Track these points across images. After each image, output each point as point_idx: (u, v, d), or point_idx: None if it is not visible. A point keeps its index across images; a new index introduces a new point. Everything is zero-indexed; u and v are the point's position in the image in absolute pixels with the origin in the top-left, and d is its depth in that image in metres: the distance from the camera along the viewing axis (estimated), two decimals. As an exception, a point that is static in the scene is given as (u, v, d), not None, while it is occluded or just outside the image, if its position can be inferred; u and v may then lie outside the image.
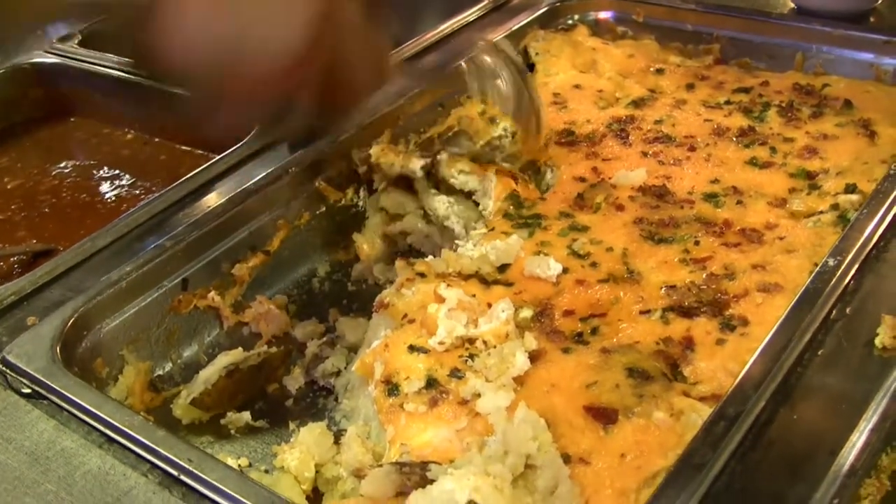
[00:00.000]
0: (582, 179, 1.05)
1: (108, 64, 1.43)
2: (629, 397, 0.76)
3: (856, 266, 0.82)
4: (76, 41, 1.53)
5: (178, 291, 0.97)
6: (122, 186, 1.29)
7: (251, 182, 1.05)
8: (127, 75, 1.38)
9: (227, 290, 1.00)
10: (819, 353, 0.76)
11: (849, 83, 1.18)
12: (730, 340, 0.81)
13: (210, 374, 0.89)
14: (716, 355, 0.80)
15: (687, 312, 0.85)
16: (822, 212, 0.96)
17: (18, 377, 0.83)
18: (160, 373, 0.94)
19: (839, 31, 1.22)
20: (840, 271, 0.82)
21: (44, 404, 0.80)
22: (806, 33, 1.24)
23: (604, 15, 1.37)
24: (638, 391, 0.77)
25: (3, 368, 0.84)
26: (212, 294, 0.98)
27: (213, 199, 1.04)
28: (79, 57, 1.48)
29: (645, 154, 1.08)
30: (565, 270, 0.91)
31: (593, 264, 0.92)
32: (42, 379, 0.81)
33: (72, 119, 1.50)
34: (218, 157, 1.09)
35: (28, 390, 0.81)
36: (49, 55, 1.51)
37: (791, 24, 1.26)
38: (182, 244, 0.98)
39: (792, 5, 1.29)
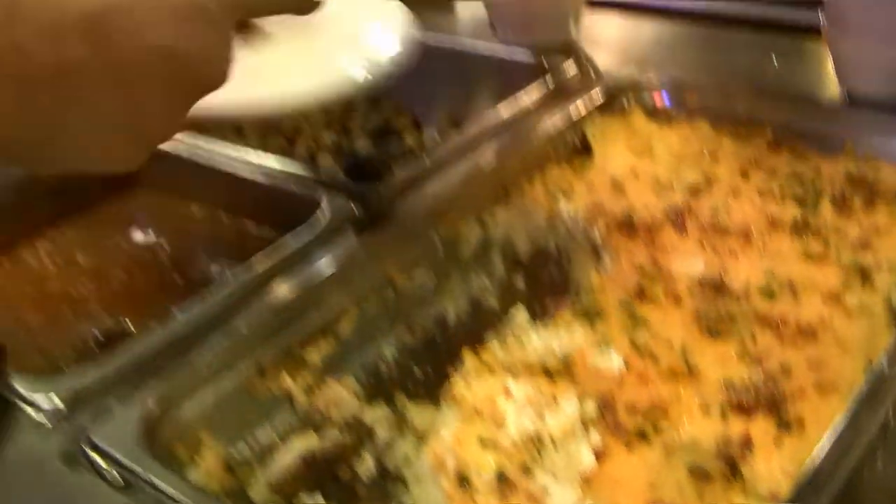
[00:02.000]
0: (640, 269, 1.09)
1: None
2: (691, 498, 0.80)
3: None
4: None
5: (253, 375, 1.01)
6: (188, 263, 1.33)
7: (322, 265, 1.10)
8: (186, 153, 1.43)
9: (299, 373, 1.04)
10: (877, 454, 0.79)
11: (900, 172, 1.21)
12: (787, 441, 0.84)
13: (287, 460, 0.93)
14: (773, 455, 0.83)
15: (745, 410, 0.88)
16: (874, 307, 0.99)
17: (106, 463, 0.87)
18: (236, 455, 0.98)
19: (887, 119, 1.25)
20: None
21: (133, 490, 0.85)
22: (855, 121, 1.27)
23: (658, 98, 1.40)
24: (699, 491, 0.80)
25: (91, 454, 0.88)
26: (284, 377, 1.02)
27: (285, 282, 1.08)
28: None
29: (702, 244, 1.12)
30: (627, 364, 0.95)
31: (654, 358, 0.96)
32: (130, 465, 0.86)
33: (137, 191, 1.54)
34: (288, 237, 1.14)
35: (117, 475, 0.86)
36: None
37: (840, 112, 1.29)
38: (256, 328, 1.02)
39: (845, 91, 1.32)
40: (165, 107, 0.72)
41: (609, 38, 1.62)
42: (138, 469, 0.85)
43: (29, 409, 0.96)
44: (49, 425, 0.93)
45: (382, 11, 1.20)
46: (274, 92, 1.02)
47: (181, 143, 1.40)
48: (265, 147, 1.52)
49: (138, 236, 1.41)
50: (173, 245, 1.37)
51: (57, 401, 0.95)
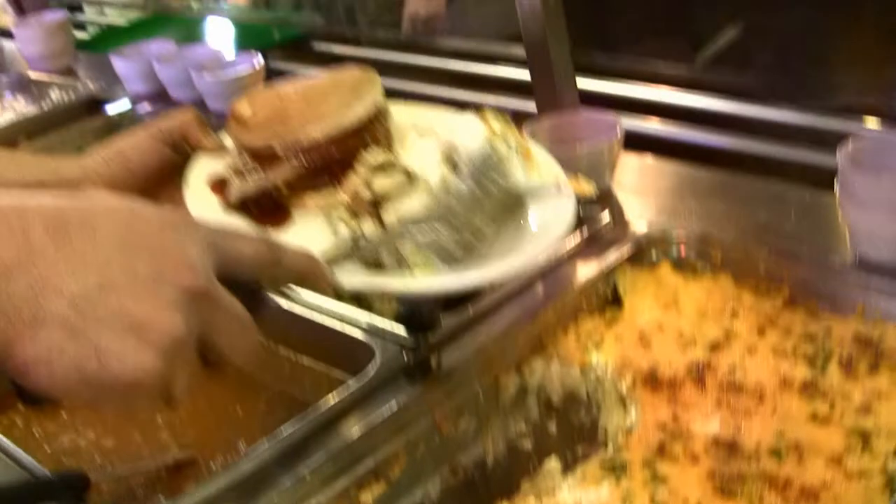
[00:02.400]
0: (662, 427, 1.21)
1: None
2: None
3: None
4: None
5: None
6: (251, 395, 1.46)
7: (375, 412, 1.22)
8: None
9: (353, 513, 1.16)
10: None
11: (905, 335, 1.32)
12: None
13: None
14: None
15: (751, 569, 1.00)
16: (872, 473, 1.10)
17: None
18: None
19: (893, 284, 1.36)
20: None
21: None
22: (865, 284, 1.38)
23: (684, 251, 1.52)
24: None
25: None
26: (340, 518, 1.14)
27: (344, 428, 1.21)
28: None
29: (719, 402, 1.24)
30: (647, 521, 1.06)
31: (672, 515, 1.07)
32: None
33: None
34: (347, 390, 1.26)
35: None
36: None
37: (853, 275, 1.40)
38: (318, 474, 1.15)
39: (857, 255, 1.43)
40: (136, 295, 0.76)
41: (642, 183, 1.74)
42: None
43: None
44: None
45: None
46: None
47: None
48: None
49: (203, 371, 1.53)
50: (235, 376, 1.50)
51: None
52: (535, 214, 1.17)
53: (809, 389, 1.24)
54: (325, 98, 1.15)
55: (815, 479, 1.11)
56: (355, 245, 1.05)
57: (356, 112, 1.14)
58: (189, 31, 3.28)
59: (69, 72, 2.94)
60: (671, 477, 1.13)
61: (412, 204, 1.11)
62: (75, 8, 3.95)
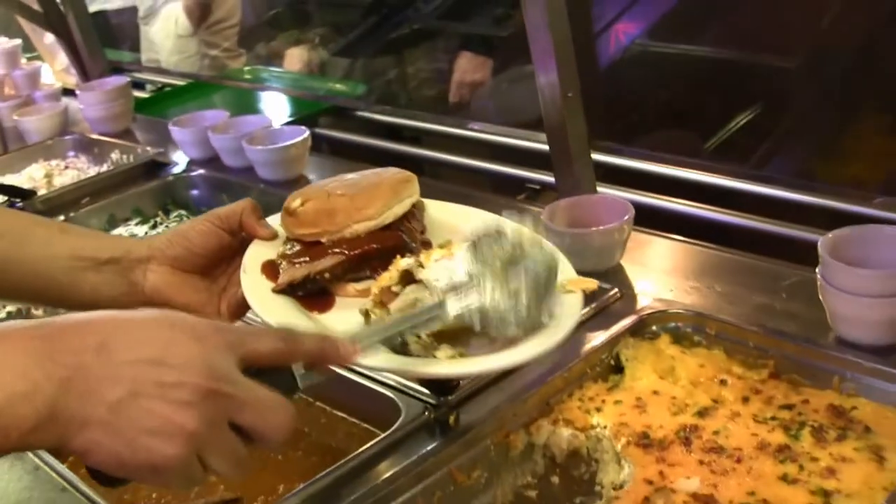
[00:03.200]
0: (650, 482, 1.37)
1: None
2: None
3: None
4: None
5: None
6: (290, 443, 1.63)
7: (400, 467, 1.40)
8: None
9: (376, 552, 1.33)
10: None
11: (874, 407, 1.46)
12: None
13: None
14: None
15: None
16: (830, 530, 1.26)
17: None
18: None
19: (869, 364, 1.51)
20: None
21: None
22: (842, 361, 1.53)
23: (682, 326, 1.69)
24: None
25: None
26: (366, 557, 1.32)
27: (372, 475, 1.38)
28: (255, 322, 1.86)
29: (701, 462, 1.40)
30: (630, 565, 1.23)
31: (652, 561, 1.24)
32: None
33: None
34: (374, 441, 1.44)
35: None
36: (235, 315, 1.88)
37: (831, 353, 1.56)
38: (344, 519, 1.33)
39: (836, 335, 1.59)
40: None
41: (650, 260, 1.91)
42: None
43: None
44: None
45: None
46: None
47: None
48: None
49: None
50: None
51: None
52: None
53: (783, 453, 1.40)
54: (369, 198, 1.33)
55: (779, 532, 1.27)
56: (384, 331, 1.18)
57: (395, 212, 1.31)
58: (241, 96, 3.50)
59: (128, 133, 3.16)
60: (653, 527, 1.29)
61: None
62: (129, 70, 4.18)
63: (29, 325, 0.95)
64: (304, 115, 3.04)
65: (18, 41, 3.64)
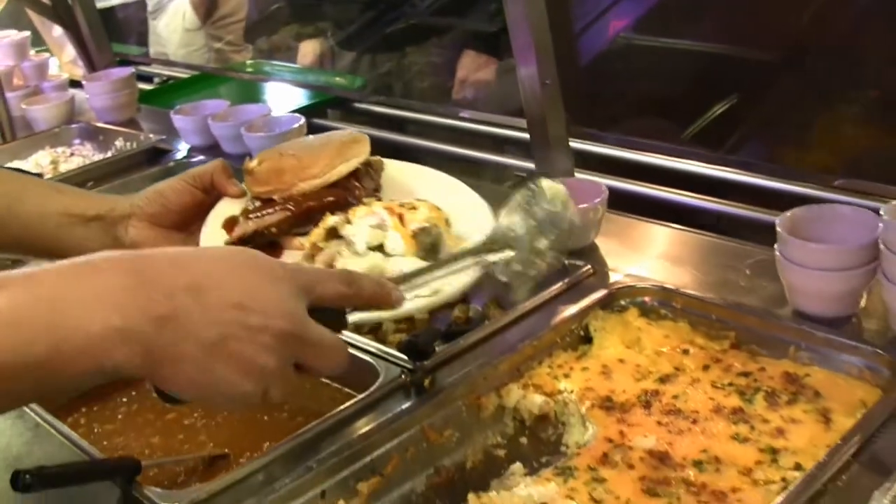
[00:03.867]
0: (610, 440, 1.47)
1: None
2: None
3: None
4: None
5: (318, 500, 1.40)
6: (276, 406, 1.72)
7: (377, 423, 1.49)
8: None
9: (351, 500, 1.42)
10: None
11: (826, 375, 1.55)
12: (685, 574, 1.21)
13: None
14: (675, 583, 1.20)
15: (660, 550, 1.25)
16: (774, 482, 1.35)
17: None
18: (301, 558, 1.37)
19: (822, 334, 1.59)
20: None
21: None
22: (798, 332, 1.62)
23: (650, 300, 1.78)
24: None
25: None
26: (341, 503, 1.41)
27: (349, 432, 1.48)
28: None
29: (659, 423, 1.49)
30: (584, 511, 1.32)
31: (605, 508, 1.33)
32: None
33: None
34: (353, 400, 1.54)
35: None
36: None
37: (788, 324, 1.65)
38: (324, 466, 1.42)
39: (793, 308, 1.68)
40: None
41: (623, 239, 2.01)
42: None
43: (158, 513, 1.37)
44: None
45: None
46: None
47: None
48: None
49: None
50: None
51: (179, 508, 1.36)
52: None
53: (736, 415, 1.49)
54: (315, 158, 1.44)
55: (726, 485, 1.36)
56: None
57: (339, 171, 1.42)
58: (245, 89, 3.60)
59: (132, 123, 3.26)
60: (609, 479, 1.39)
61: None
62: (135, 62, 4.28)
63: (120, 258, 1.05)
64: (305, 106, 3.14)
65: (27, 33, 3.74)
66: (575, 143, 2.27)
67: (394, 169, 1.53)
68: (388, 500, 1.46)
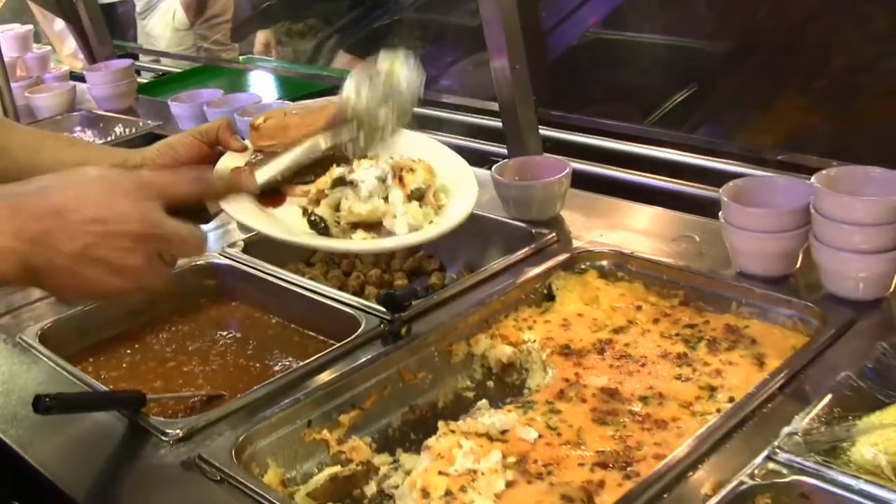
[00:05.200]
0: (566, 380, 1.64)
1: (259, 267, 2.07)
2: (560, 512, 1.34)
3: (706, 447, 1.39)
4: (240, 248, 2.16)
5: (304, 428, 1.56)
6: (268, 357, 1.90)
7: (357, 363, 1.67)
8: (271, 278, 2.02)
9: (334, 430, 1.59)
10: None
11: (763, 326, 1.72)
12: (626, 485, 1.38)
13: (319, 478, 1.49)
14: (617, 492, 1.36)
15: (606, 467, 1.42)
16: (710, 413, 1.52)
17: (209, 467, 1.44)
18: (288, 476, 1.53)
19: (761, 290, 1.76)
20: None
21: (225, 486, 1.41)
22: (739, 289, 1.79)
23: (608, 263, 1.95)
24: (566, 509, 1.34)
25: (201, 462, 1.45)
26: (324, 432, 1.58)
27: (331, 373, 1.65)
28: (240, 259, 2.12)
29: (611, 366, 1.66)
30: (540, 436, 1.49)
31: (559, 434, 1.50)
32: (226, 471, 1.42)
33: (233, 303, 2.10)
34: (337, 345, 1.71)
35: (218, 477, 1.42)
36: (220, 257, 2.15)
37: (731, 282, 1.82)
38: (309, 399, 1.59)
39: (737, 269, 1.86)
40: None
41: (587, 212, 2.18)
42: (228, 471, 1.42)
43: (161, 437, 1.53)
44: (172, 445, 1.51)
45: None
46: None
47: (268, 272, 2.01)
48: (327, 277, 2.12)
49: (231, 334, 1.99)
50: (256, 342, 1.95)
51: (178, 432, 1.53)
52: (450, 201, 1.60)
53: (680, 359, 1.66)
54: (316, 117, 1.59)
55: (668, 415, 1.53)
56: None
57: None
58: (235, 80, 3.77)
59: (131, 112, 3.43)
60: (564, 411, 1.56)
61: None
62: (134, 56, 4.44)
63: None
64: (289, 95, 3.31)
65: (30, 27, 3.90)
66: (546, 131, 2.45)
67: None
68: (367, 431, 1.63)
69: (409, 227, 1.51)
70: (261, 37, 4.68)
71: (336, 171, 1.53)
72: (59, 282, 1.25)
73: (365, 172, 1.51)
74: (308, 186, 1.55)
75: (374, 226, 1.51)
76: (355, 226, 1.51)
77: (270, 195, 1.56)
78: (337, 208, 1.51)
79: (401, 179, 1.51)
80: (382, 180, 1.49)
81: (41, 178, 1.30)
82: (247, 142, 1.63)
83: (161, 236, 1.30)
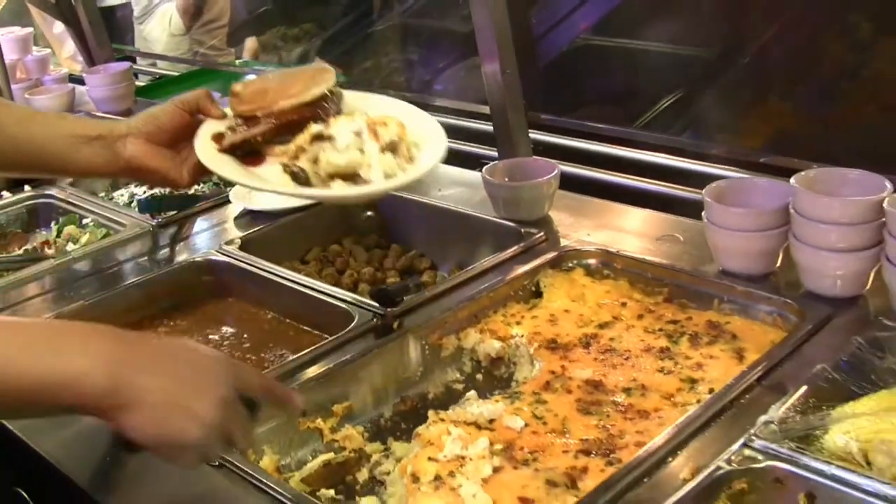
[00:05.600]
0: (552, 372, 1.69)
1: (255, 263, 2.13)
2: (544, 495, 1.39)
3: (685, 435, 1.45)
4: (237, 245, 2.22)
5: (299, 416, 1.62)
6: (264, 350, 1.96)
7: (347, 357, 1.72)
8: (267, 274, 2.08)
9: (328, 419, 1.65)
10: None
11: (743, 322, 1.77)
12: (608, 470, 1.44)
13: (313, 465, 1.54)
14: (599, 477, 1.42)
15: (589, 454, 1.48)
16: (690, 404, 1.58)
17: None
18: (283, 462, 1.59)
19: (742, 287, 1.82)
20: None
21: (223, 471, 1.47)
22: (721, 287, 1.85)
23: (594, 262, 2.01)
24: (551, 493, 1.40)
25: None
26: (319, 421, 1.63)
27: (328, 362, 1.71)
28: (237, 256, 2.18)
29: (596, 359, 1.72)
30: (526, 425, 1.55)
31: (545, 423, 1.56)
32: (224, 457, 1.48)
33: (230, 299, 2.16)
34: (330, 338, 1.77)
35: (216, 463, 1.48)
36: (217, 254, 2.21)
37: (713, 280, 1.88)
38: (305, 387, 1.64)
39: (719, 267, 1.92)
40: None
41: (575, 212, 2.23)
42: (226, 457, 1.47)
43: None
44: None
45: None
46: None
47: (264, 268, 2.07)
48: (321, 274, 2.18)
49: (228, 329, 2.04)
50: (252, 337, 2.01)
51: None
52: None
53: (663, 353, 1.72)
54: (293, 82, 1.63)
55: (650, 406, 1.59)
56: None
57: (313, 93, 1.60)
58: (231, 83, 3.81)
59: (129, 113, 3.46)
60: (550, 401, 1.61)
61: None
62: (131, 59, 4.49)
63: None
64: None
65: (30, 30, 3.95)
66: (536, 135, 2.51)
67: (352, 97, 1.70)
68: (360, 421, 1.69)
69: (384, 175, 1.52)
70: (249, 44, 4.75)
71: (314, 127, 1.56)
72: (137, 421, 1.23)
73: (341, 127, 1.55)
74: (287, 146, 1.58)
75: (351, 177, 1.53)
76: (333, 177, 1.52)
77: (251, 155, 1.60)
78: (315, 162, 1.53)
79: (375, 133, 1.54)
80: (358, 134, 1.53)
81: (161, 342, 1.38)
82: (227, 109, 1.65)
83: (233, 404, 1.29)
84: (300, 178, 1.53)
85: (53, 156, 1.61)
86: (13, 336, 1.21)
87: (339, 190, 1.52)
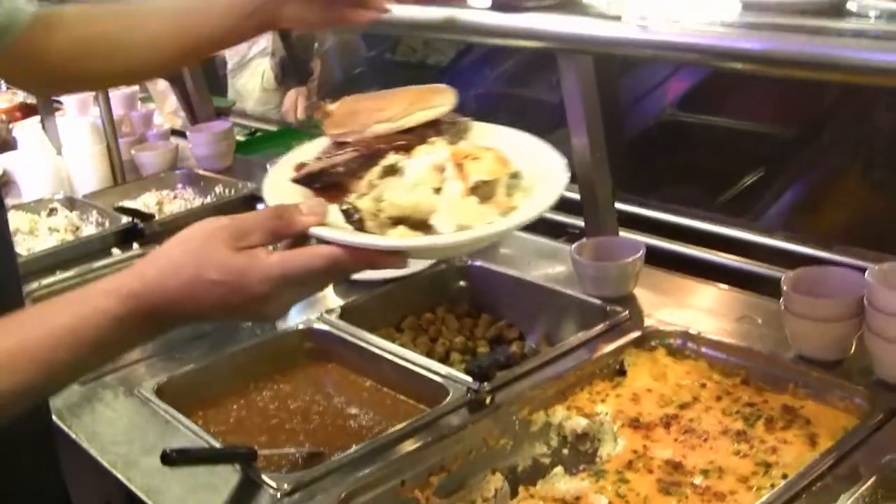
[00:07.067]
0: (635, 451, 1.81)
1: (353, 333, 2.27)
2: (626, 572, 1.51)
3: (760, 521, 1.56)
4: (337, 314, 2.36)
5: (398, 487, 1.75)
6: (361, 417, 2.09)
7: (445, 430, 1.85)
8: (365, 344, 2.22)
9: (424, 489, 1.78)
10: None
11: (817, 407, 1.86)
12: (687, 548, 1.55)
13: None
14: (678, 555, 1.54)
15: (669, 533, 1.60)
16: (764, 488, 1.68)
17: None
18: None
19: (816, 373, 1.92)
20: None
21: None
22: (797, 372, 1.94)
23: (676, 342, 2.12)
24: (632, 570, 1.52)
25: (309, 517, 1.65)
26: (416, 491, 1.76)
27: (424, 436, 1.84)
28: (337, 325, 2.32)
29: (676, 440, 1.83)
30: (610, 503, 1.67)
31: (627, 502, 1.67)
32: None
33: (330, 365, 2.29)
34: (428, 411, 1.90)
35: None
36: (319, 322, 2.35)
37: (789, 365, 1.98)
38: (403, 460, 1.78)
39: (795, 352, 2.02)
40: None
41: (658, 291, 2.35)
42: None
43: (272, 489, 1.73)
44: (280, 498, 1.71)
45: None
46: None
47: (363, 339, 2.21)
48: (415, 343, 2.31)
49: (329, 394, 2.18)
50: (351, 403, 2.14)
51: (287, 486, 1.73)
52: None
53: (740, 436, 1.83)
54: (391, 103, 1.43)
55: (726, 489, 1.69)
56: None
57: (416, 118, 1.39)
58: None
59: (229, 170, 3.65)
60: (632, 480, 1.73)
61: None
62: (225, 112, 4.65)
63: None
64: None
65: (136, 87, 4.15)
66: (620, 206, 2.63)
67: (482, 132, 1.45)
68: (454, 492, 1.82)
69: (456, 227, 1.26)
70: (291, 94, 4.87)
71: (391, 157, 1.34)
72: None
73: (417, 158, 1.33)
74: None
75: (419, 224, 1.28)
76: (398, 222, 1.28)
77: (332, 188, 1.38)
78: (380, 201, 1.30)
79: (460, 167, 1.28)
80: (439, 169, 1.29)
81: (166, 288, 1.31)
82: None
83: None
84: (353, 218, 1.28)
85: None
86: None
87: (382, 240, 1.26)
